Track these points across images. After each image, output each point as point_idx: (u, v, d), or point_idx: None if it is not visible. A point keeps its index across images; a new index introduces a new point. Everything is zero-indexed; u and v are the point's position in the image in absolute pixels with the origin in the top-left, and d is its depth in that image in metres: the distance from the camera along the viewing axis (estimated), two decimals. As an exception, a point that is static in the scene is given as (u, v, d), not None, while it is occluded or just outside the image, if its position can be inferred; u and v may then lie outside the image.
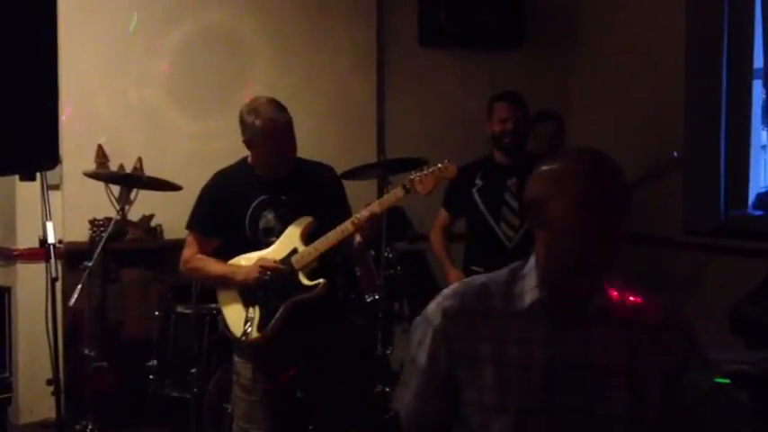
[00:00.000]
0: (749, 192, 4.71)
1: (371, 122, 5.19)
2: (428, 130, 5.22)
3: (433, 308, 1.72)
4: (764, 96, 4.73)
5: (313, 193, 2.99)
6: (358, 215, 2.88)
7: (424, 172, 2.91)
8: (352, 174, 3.94)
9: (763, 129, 4.76)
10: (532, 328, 1.63)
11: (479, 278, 1.74)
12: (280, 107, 2.93)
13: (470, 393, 1.67)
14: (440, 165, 2.91)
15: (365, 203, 2.95)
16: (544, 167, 1.65)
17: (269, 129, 2.87)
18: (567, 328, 1.62)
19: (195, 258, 3.01)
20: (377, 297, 3.92)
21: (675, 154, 3.98)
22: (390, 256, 4.07)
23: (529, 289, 1.65)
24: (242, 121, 2.94)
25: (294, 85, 4.84)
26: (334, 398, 3.06)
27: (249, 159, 3.02)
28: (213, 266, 2.99)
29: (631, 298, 1.66)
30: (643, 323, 1.64)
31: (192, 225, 3.05)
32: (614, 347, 1.62)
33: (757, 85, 4.67)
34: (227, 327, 2.99)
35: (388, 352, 4.02)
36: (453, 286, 1.75)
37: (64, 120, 4.17)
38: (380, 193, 4.03)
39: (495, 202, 3.69)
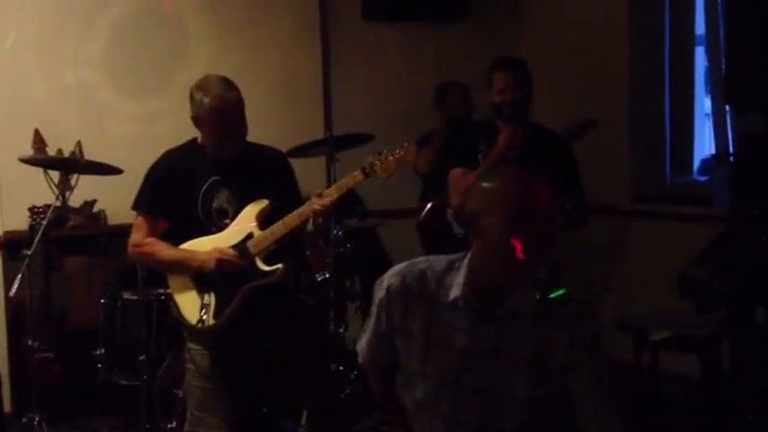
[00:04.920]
0: (694, 158, 4.79)
1: (318, 98, 5.11)
2: (375, 104, 5.16)
3: (384, 280, 2.01)
4: (707, 64, 4.77)
5: (265, 176, 2.92)
6: (319, 202, 2.82)
7: (385, 156, 2.86)
8: (300, 151, 3.89)
9: (706, 96, 4.81)
10: (455, 316, 1.90)
11: (423, 263, 1.99)
12: (230, 85, 2.86)
13: (403, 357, 2.01)
14: (399, 149, 2.87)
15: (317, 190, 2.89)
16: (482, 183, 1.84)
17: (217, 106, 2.79)
18: (483, 321, 1.88)
19: (145, 243, 2.88)
20: (327, 275, 3.88)
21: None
22: (340, 233, 4.02)
23: (456, 284, 1.90)
24: (191, 98, 2.86)
25: (237, 63, 4.73)
26: (289, 379, 3.01)
27: (199, 140, 2.94)
28: (165, 252, 2.87)
29: (546, 298, 1.87)
30: (549, 323, 1.86)
31: (139, 206, 2.92)
32: (521, 341, 1.86)
33: (700, 53, 4.71)
34: (180, 314, 2.88)
35: (341, 330, 3.98)
36: (400, 266, 2.01)
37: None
38: (328, 171, 3.97)
39: None
